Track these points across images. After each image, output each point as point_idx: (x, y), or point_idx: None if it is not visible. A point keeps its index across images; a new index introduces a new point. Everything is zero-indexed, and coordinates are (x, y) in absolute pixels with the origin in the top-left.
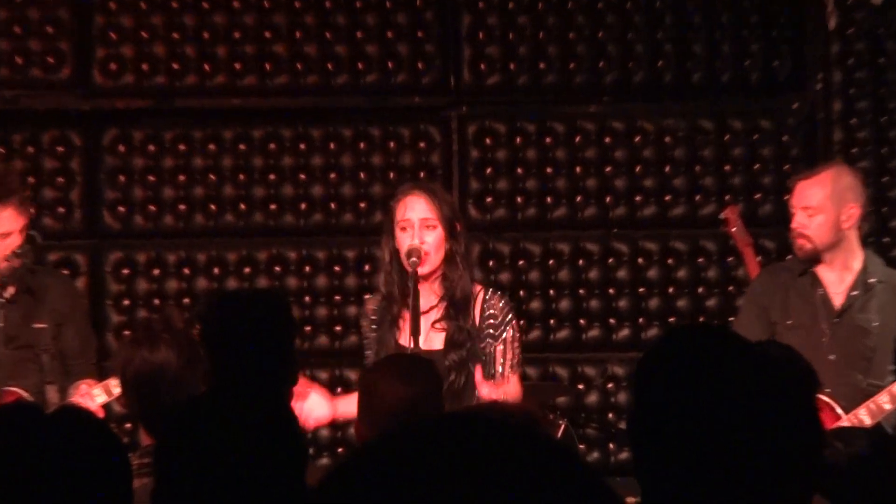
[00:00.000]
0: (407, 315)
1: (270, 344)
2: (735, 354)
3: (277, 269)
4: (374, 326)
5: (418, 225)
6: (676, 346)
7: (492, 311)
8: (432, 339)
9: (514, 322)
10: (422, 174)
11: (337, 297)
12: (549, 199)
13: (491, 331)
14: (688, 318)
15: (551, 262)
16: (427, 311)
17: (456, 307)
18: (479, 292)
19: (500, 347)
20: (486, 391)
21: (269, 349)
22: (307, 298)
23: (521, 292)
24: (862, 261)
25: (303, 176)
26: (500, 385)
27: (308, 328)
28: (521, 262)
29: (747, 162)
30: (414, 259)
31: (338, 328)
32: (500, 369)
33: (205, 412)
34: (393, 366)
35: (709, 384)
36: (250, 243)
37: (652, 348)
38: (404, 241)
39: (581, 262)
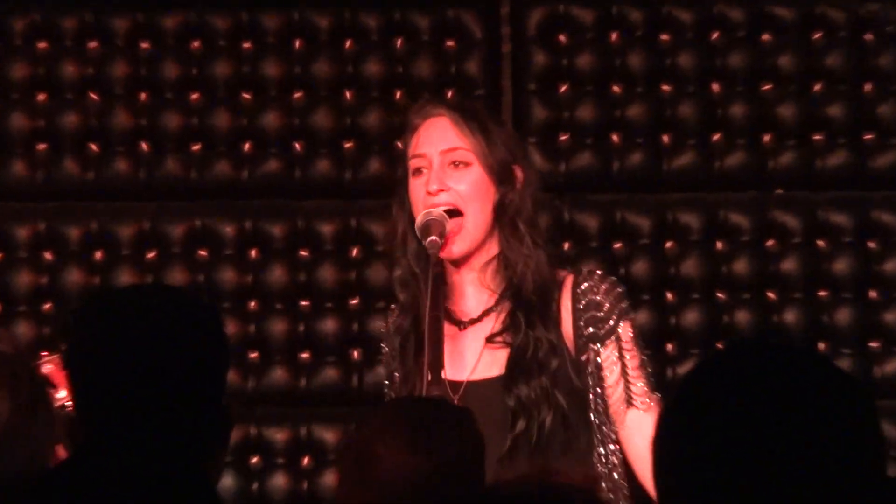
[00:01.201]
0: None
1: (185, 381)
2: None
3: (202, 252)
4: (395, 355)
5: (438, 162)
6: (722, 371)
7: (591, 300)
8: (490, 362)
9: (630, 313)
10: (449, 94)
11: (304, 303)
12: (664, 139)
13: (592, 330)
14: None
15: (669, 244)
16: (480, 319)
17: (525, 305)
18: (566, 278)
19: (612, 354)
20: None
21: (182, 390)
22: (253, 304)
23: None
24: None
25: (247, 96)
26: (649, 414)
27: (255, 355)
28: (617, 245)
29: None
30: (434, 238)
31: (307, 355)
32: (627, 389)
33: (63, 498)
34: (397, 420)
35: (765, 424)
36: (157, 209)
37: (688, 375)
38: (417, 195)
39: (720, 244)
